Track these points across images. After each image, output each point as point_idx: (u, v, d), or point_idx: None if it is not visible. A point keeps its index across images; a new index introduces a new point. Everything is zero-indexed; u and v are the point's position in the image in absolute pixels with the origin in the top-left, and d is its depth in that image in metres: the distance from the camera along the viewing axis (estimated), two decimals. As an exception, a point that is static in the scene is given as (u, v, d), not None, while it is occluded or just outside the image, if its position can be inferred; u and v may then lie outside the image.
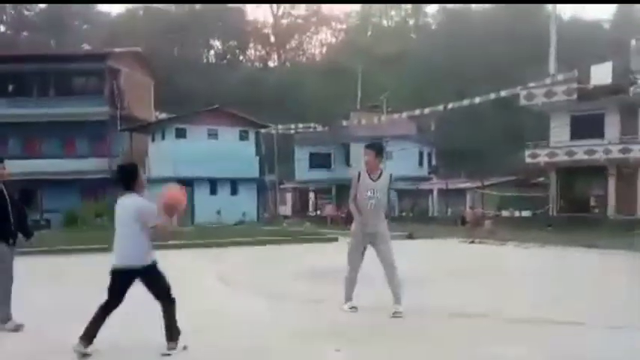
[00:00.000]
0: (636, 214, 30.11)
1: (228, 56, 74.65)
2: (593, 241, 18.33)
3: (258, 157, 37.69)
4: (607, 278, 11.31)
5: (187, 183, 26.08)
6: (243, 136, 37.12)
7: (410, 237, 21.52)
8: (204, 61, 72.42)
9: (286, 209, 48.23)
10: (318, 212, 44.73)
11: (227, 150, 35.08)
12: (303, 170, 46.82)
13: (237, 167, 35.18)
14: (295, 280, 10.39)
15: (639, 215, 29.89)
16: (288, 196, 50.58)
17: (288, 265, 13.09)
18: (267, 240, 19.74)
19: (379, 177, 7.07)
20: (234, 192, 36.26)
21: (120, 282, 5.33)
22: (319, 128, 46.95)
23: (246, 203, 36.04)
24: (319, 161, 45.72)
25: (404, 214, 39.78)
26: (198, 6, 68.86)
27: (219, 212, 33.34)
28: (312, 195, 49.21)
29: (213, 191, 35.29)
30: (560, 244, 18.22)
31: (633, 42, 33.54)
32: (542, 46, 41.02)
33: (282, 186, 47.48)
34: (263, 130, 39.61)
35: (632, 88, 30.87)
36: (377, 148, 7.26)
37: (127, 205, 5.35)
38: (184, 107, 43.12)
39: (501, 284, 10.23)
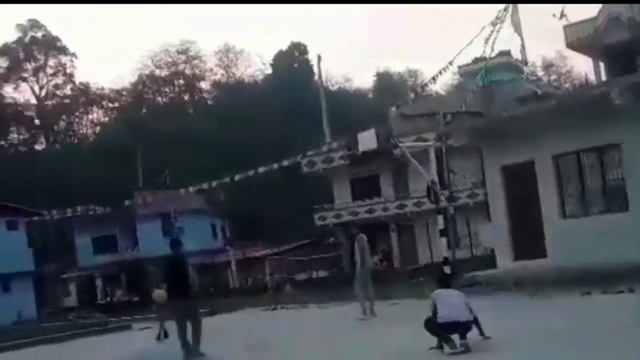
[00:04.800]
0: (418, 263, 32.56)
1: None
2: (387, 293, 19.07)
3: (32, 248, 34.32)
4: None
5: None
6: (12, 226, 33.51)
7: (212, 313, 20.87)
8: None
9: (71, 300, 44.06)
10: (109, 299, 41.90)
11: (-7, 241, 31.51)
12: (86, 256, 43.52)
13: (7, 260, 31.43)
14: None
15: (421, 264, 32.29)
16: (72, 286, 46.36)
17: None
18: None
19: None
20: (6, 288, 32.31)
21: None
22: (100, 210, 44.00)
23: (21, 300, 32.22)
24: (104, 245, 42.84)
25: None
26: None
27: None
28: (99, 282, 45.66)
29: (-23, 290, 31.27)
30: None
31: (393, 109, 37.05)
32: (315, 115, 43.66)
33: (64, 276, 43.79)
34: (35, 218, 36.14)
35: (395, 151, 33.20)
36: None
37: None
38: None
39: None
